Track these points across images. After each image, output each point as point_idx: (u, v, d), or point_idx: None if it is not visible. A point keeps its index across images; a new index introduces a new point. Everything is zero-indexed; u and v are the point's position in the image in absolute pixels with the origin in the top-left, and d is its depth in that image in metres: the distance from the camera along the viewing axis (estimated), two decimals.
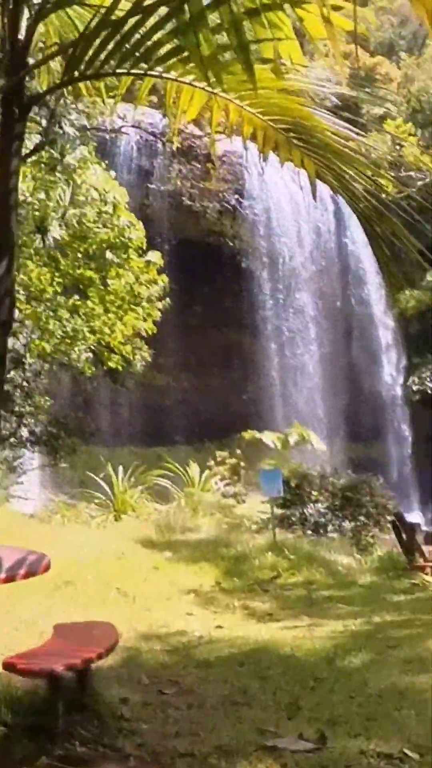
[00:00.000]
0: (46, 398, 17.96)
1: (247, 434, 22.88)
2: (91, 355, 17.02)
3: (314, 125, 5.13)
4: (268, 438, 22.59)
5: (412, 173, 36.74)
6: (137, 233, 16.57)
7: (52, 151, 14.54)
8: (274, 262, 34.35)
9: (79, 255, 16.31)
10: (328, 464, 33.48)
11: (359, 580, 12.72)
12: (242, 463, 21.16)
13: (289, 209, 34.36)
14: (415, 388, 34.22)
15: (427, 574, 12.69)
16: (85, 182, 15.62)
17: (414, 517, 34.39)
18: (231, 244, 33.38)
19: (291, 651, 7.53)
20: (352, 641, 7.98)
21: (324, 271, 35.68)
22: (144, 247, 17.13)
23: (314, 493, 16.44)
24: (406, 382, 35.25)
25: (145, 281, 17.03)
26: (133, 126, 28.10)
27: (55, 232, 15.14)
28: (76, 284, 16.69)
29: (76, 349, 16.42)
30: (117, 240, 16.19)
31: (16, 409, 16.75)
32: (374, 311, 36.42)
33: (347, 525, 15.92)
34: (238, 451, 21.91)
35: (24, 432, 17.34)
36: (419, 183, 36.43)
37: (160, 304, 17.78)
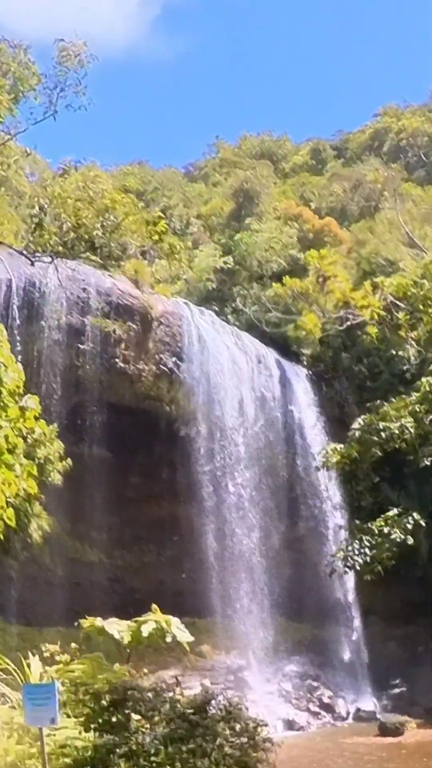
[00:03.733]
0: None
1: (87, 622, 17.68)
2: None
3: None
4: (113, 628, 17.08)
5: (342, 312, 34.36)
6: (13, 375, 14.20)
7: None
8: (213, 430, 32.78)
9: None
10: (270, 648, 31.03)
11: None
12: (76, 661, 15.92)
13: (230, 374, 33.12)
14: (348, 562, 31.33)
15: None
16: None
17: (366, 703, 31.55)
18: (168, 409, 31.86)
19: None
20: None
21: (267, 441, 34.15)
22: (21, 392, 14.35)
23: (134, 717, 11.53)
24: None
25: (33, 438, 14.41)
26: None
27: None
28: None
29: None
30: None
31: None
32: (320, 481, 34.67)
33: (200, 764, 10.83)
34: (74, 645, 16.70)
35: None
36: (347, 323, 34.21)
37: (60, 465, 15.51)
